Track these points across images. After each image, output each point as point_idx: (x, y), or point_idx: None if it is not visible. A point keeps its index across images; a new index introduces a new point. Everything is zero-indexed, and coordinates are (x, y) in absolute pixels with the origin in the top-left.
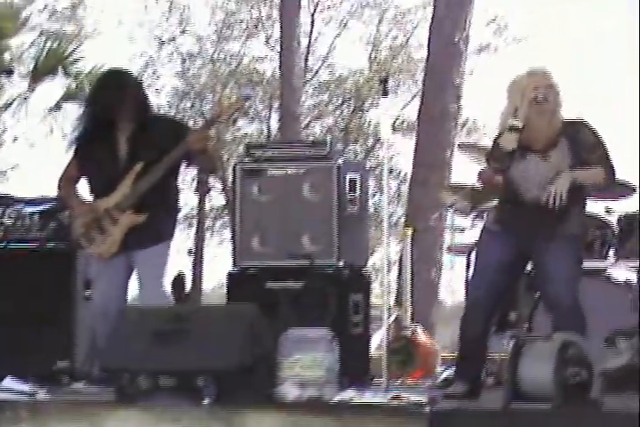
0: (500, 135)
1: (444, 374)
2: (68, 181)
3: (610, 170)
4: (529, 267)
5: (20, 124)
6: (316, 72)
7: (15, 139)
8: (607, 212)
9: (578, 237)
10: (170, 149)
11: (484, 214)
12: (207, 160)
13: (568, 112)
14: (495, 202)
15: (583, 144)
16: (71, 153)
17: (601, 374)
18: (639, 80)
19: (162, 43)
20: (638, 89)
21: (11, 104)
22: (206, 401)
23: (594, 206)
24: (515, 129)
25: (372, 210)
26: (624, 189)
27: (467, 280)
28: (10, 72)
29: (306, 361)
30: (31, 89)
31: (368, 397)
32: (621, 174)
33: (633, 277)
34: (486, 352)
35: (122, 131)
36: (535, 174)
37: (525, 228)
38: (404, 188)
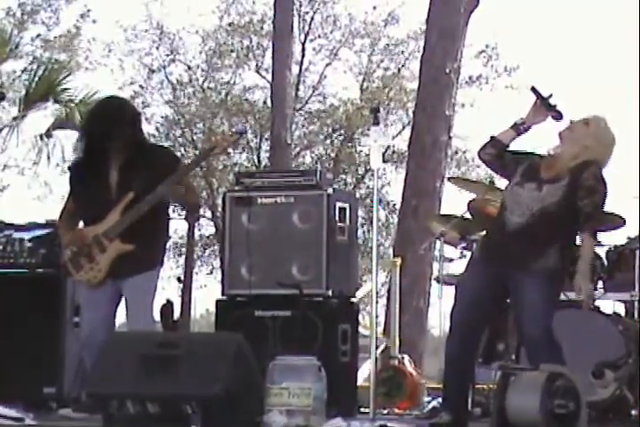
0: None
1: (431, 405)
2: (67, 214)
3: (596, 223)
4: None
5: (11, 151)
6: (307, 101)
7: (5, 166)
8: (596, 244)
9: (556, 271)
10: (162, 179)
11: (473, 245)
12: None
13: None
14: (483, 232)
15: (582, 184)
16: (67, 180)
17: (588, 405)
18: (639, 98)
19: (152, 71)
20: (638, 104)
21: (0, 130)
22: None
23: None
24: (514, 126)
25: (361, 239)
26: (614, 221)
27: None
28: (2, 97)
29: (293, 390)
30: (22, 116)
31: (355, 426)
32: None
33: (621, 308)
34: (472, 382)
35: (115, 159)
36: (523, 202)
37: (505, 257)
38: (394, 218)
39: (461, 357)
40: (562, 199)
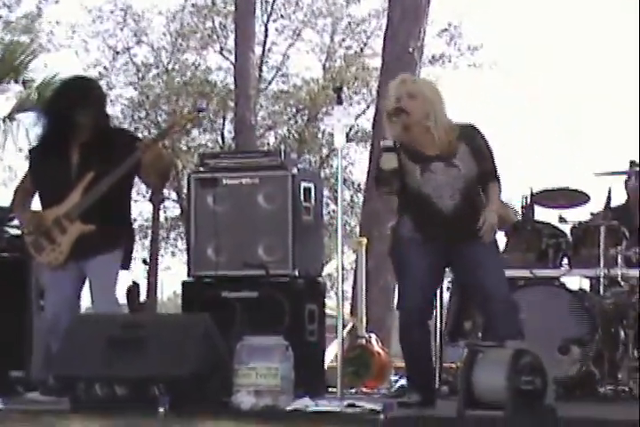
0: (379, 157)
1: (399, 383)
2: (22, 191)
3: (498, 181)
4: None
5: None
6: (270, 82)
7: None
8: (561, 220)
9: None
10: (122, 160)
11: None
12: (155, 174)
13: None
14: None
15: (480, 150)
16: (27, 163)
17: (554, 381)
18: (638, 83)
19: (116, 52)
20: (638, 90)
21: None
22: (161, 410)
23: (548, 215)
24: (388, 149)
25: (326, 219)
26: (578, 198)
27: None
28: None
29: (261, 370)
30: None
31: (323, 405)
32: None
33: (586, 285)
34: (433, 360)
35: (75, 139)
36: (445, 183)
37: (446, 234)
38: (359, 197)
39: (420, 340)
40: (478, 169)
